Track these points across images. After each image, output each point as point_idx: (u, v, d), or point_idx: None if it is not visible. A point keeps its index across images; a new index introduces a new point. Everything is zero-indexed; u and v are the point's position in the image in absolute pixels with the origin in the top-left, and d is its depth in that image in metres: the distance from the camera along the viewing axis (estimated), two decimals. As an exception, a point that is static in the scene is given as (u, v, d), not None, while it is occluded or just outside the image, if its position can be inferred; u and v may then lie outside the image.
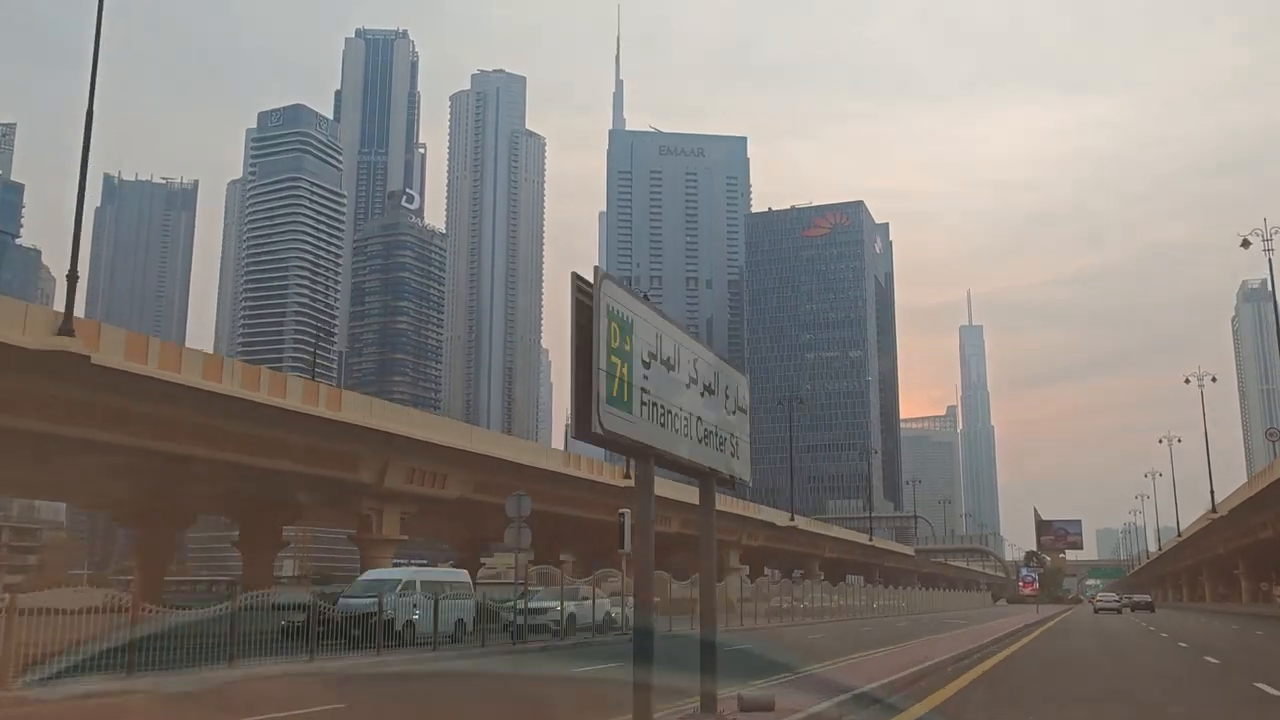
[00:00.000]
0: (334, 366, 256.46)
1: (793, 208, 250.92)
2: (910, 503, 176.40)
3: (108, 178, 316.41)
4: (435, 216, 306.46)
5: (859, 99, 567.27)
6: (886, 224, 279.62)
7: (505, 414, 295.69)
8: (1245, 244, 50.85)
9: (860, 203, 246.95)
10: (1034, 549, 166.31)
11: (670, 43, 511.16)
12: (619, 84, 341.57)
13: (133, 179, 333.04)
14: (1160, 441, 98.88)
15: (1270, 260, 51.34)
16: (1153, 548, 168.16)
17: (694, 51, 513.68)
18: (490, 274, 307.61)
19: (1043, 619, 50.38)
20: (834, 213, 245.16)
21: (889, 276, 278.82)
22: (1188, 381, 77.30)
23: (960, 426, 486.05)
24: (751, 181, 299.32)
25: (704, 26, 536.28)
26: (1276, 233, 51.33)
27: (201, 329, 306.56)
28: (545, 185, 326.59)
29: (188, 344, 68.33)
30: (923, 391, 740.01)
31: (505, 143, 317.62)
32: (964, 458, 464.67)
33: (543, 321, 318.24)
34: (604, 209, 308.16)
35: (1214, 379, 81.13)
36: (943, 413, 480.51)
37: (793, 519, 68.91)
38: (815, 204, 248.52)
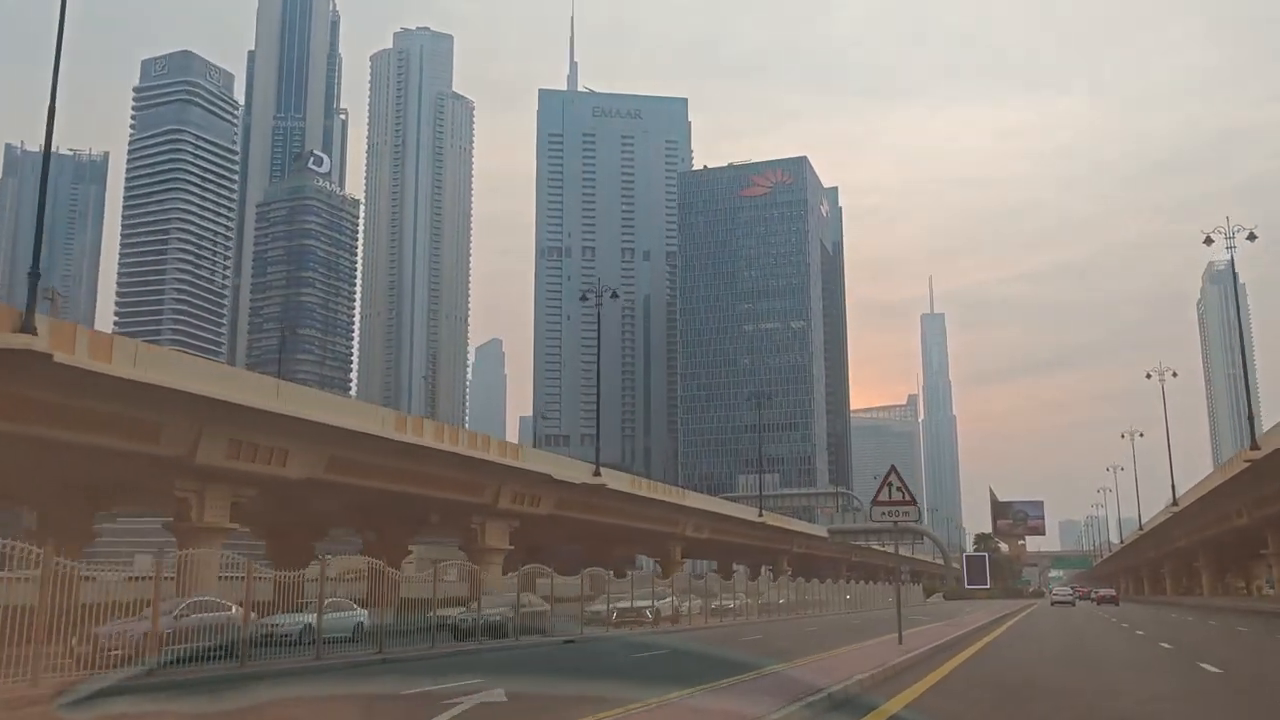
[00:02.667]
0: (223, 342, 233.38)
1: (730, 165, 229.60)
2: (868, 494, 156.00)
3: (9, 148, 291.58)
4: (356, 186, 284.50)
5: (821, 94, 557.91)
6: (835, 188, 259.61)
7: (429, 398, 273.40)
8: (1208, 241, 49.89)
9: (804, 159, 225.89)
10: (989, 532, 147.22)
11: (628, 36, 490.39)
12: (573, 66, 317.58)
13: (36, 150, 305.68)
14: (1122, 436, 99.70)
15: (1233, 258, 49.93)
16: (1115, 540, 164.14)
17: (653, 47, 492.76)
18: (412, 247, 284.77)
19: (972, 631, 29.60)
20: (775, 170, 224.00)
21: (838, 246, 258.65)
22: (1149, 377, 77.10)
23: (922, 416, 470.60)
24: (694, 148, 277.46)
25: (663, 22, 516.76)
26: (1239, 231, 49.51)
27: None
28: (475, 152, 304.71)
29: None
30: (885, 386, 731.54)
31: (430, 106, 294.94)
32: (925, 448, 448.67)
33: (470, 299, 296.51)
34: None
35: (1174, 374, 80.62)
36: (903, 402, 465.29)
37: (597, 472, 47.61)
38: (755, 160, 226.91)
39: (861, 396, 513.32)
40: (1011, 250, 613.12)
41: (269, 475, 32.22)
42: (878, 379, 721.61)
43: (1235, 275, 52.66)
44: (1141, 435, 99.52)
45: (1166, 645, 24.23)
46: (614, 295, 52.60)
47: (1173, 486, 77.60)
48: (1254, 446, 47.42)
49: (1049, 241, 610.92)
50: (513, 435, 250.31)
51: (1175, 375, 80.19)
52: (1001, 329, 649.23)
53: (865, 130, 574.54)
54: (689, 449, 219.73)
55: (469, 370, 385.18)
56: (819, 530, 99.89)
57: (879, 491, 19.23)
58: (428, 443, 36.98)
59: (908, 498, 18.71)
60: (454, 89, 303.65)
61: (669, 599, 39.86)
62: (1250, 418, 49.63)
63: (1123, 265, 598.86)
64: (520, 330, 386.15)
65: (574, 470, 48.71)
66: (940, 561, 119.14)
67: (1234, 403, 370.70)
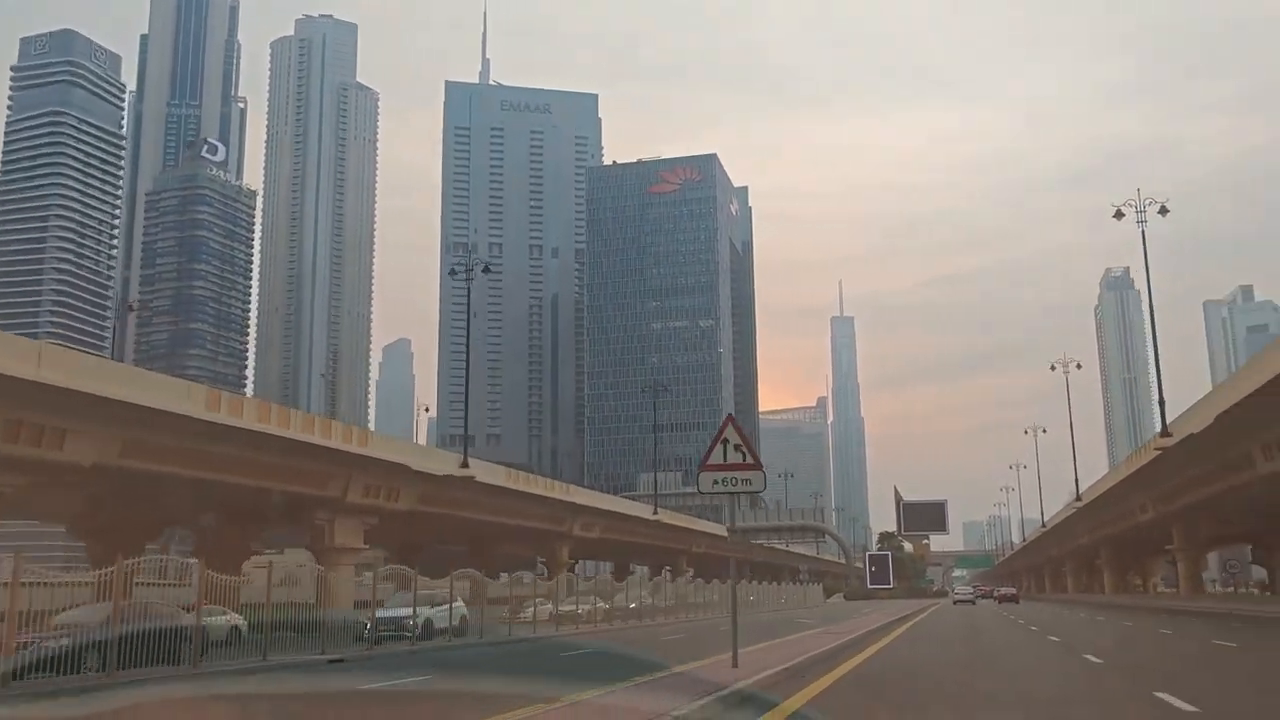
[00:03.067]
0: (108, 336, 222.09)
1: (639, 161, 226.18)
2: (782, 497, 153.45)
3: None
4: (254, 177, 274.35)
5: (737, 98, 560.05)
6: (745, 187, 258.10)
7: (329, 396, 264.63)
8: (1118, 215, 48.30)
9: (713, 156, 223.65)
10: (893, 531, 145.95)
11: (542, 34, 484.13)
12: (485, 63, 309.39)
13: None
14: (1025, 433, 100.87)
15: (1144, 232, 48.06)
16: (1017, 539, 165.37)
17: (567, 46, 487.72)
18: (313, 241, 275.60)
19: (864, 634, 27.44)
20: (685, 167, 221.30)
21: (748, 246, 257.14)
22: (1053, 368, 77.37)
23: (831, 418, 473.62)
24: (606, 147, 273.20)
25: (579, 21, 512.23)
26: (1150, 204, 48.10)
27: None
28: (380, 145, 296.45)
29: None
30: (796, 388, 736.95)
31: (333, 96, 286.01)
32: (834, 450, 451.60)
33: (374, 296, 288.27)
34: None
35: (1079, 365, 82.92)
36: (813, 404, 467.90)
37: (465, 463, 43.30)
38: (664, 157, 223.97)
39: (773, 399, 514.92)
40: (921, 256, 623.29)
41: (41, 460, 27.11)
42: (789, 382, 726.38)
43: (1145, 252, 48.76)
44: (1045, 431, 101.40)
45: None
46: (486, 270, 48.25)
47: (1076, 480, 77.02)
48: (1165, 433, 45.06)
49: (958, 248, 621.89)
50: (421, 436, 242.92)
51: (1080, 367, 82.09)
52: (910, 334, 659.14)
53: (780, 135, 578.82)
54: (596, 448, 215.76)
55: (376, 370, 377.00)
56: (719, 529, 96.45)
57: (709, 452, 14.36)
58: (248, 425, 32.12)
59: (749, 460, 14.09)
60: (358, 79, 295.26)
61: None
62: (1160, 402, 47.16)
63: (1030, 273, 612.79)
64: (430, 330, 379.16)
65: (438, 461, 44.32)
66: (843, 561, 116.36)
67: (1129, 407, 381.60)
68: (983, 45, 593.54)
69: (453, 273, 48.39)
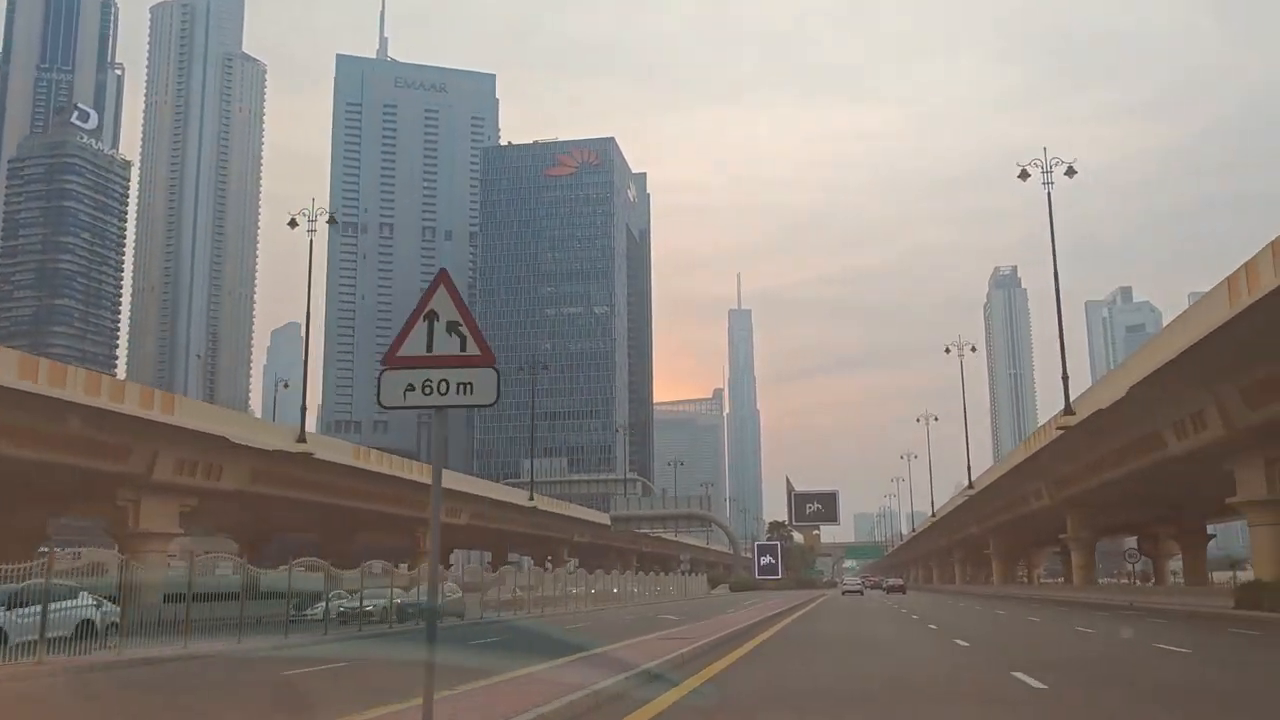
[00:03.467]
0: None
1: (535, 142, 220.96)
2: (673, 486, 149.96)
3: None
4: (132, 148, 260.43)
5: (639, 89, 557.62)
6: (644, 174, 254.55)
7: (207, 379, 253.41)
8: (1023, 175, 45.93)
9: (611, 140, 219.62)
10: (783, 520, 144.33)
11: (442, 17, 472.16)
12: (383, 41, 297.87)
13: None
14: (918, 421, 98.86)
15: (1049, 193, 45.71)
16: (906, 530, 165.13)
17: (468, 30, 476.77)
18: (193, 216, 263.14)
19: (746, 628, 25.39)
20: (582, 150, 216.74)
21: (645, 234, 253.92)
22: (948, 351, 75.03)
23: (727, 410, 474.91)
24: (503, 130, 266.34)
25: (482, 4, 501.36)
26: (1056, 164, 45.52)
27: None
28: (266, 120, 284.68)
29: None
30: (694, 381, 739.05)
31: (217, 67, 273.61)
32: (729, 442, 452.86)
33: (258, 275, 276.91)
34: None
35: (974, 348, 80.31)
36: (709, 395, 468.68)
37: (302, 437, 38.59)
38: (561, 139, 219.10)
39: (672, 391, 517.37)
40: (818, 252, 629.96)
41: None
42: (687, 374, 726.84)
43: (1051, 219, 46.04)
44: (936, 419, 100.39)
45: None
46: (331, 221, 43.44)
47: (968, 467, 75.10)
48: (1067, 411, 42.77)
49: (853, 245, 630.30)
50: (311, 424, 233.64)
51: (974, 350, 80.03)
52: (806, 328, 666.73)
53: (681, 128, 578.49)
54: (486, 438, 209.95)
55: (264, 354, 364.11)
56: (602, 518, 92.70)
57: (403, 334, 8.62)
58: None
59: (476, 350, 8.41)
60: (244, 50, 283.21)
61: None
62: (1064, 377, 43.63)
63: (921, 271, 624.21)
64: (319, 314, 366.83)
65: (269, 434, 39.39)
66: (731, 551, 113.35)
67: (1015, 403, 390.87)
68: (878, 47, 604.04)
69: (292, 224, 43.31)
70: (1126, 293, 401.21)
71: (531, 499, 68.70)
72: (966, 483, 75.22)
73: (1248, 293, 24.90)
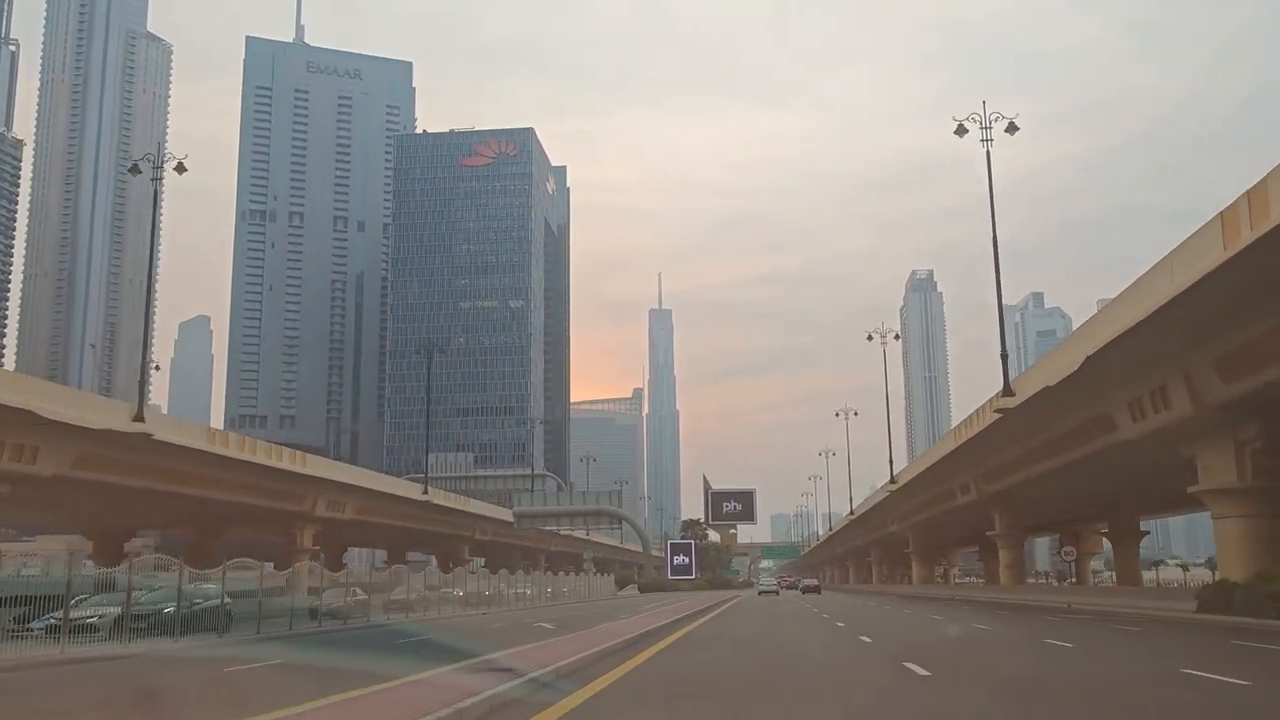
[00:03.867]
0: None
1: (452, 131, 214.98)
2: (588, 484, 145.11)
3: None
4: (25, 127, 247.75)
5: (563, 89, 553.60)
6: (564, 167, 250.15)
7: (104, 371, 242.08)
8: (960, 131, 42.69)
9: (530, 130, 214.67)
10: (698, 518, 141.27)
11: (362, 9, 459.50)
12: (300, 29, 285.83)
13: None
14: (837, 415, 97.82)
15: (989, 152, 42.29)
16: (823, 530, 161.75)
17: (390, 22, 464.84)
18: (91, 199, 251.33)
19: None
20: (500, 140, 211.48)
21: (564, 228, 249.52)
22: (870, 338, 73.28)
23: (646, 410, 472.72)
24: (420, 121, 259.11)
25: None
26: (996, 119, 42.40)
27: None
28: (172, 103, 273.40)
29: None
30: (615, 381, 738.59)
31: (119, 45, 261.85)
32: (648, 442, 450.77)
33: (162, 264, 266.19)
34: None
35: (897, 336, 78.87)
36: (628, 395, 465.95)
37: (140, 416, 33.68)
38: (478, 128, 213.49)
39: (590, 390, 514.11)
40: (739, 255, 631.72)
41: None
42: (607, 374, 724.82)
43: (990, 176, 42.27)
44: (856, 414, 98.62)
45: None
46: (180, 168, 38.45)
47: (890, 460, 72.21)
48: (1006, 391, 38.63)
49: (775, 248, 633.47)
50: (218, 420, 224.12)
51: (898, 337, 78.93)
52: (727, 330, 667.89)
53: (605, 128, 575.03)
54: (397, 432, 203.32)
55: (172, 347, 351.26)
56: (505, 514, 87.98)
57: None
58: None
59: None
60: (149, 29, 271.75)
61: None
62: (1003, 355, 40.11)
63: (840, 275, 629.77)
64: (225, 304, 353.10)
65: (96, 411, 34.31)
66: (639, 549, 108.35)
67: (930, 406, 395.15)
68: (800, 53, 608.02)
69: (134, 170, 38.29)
70: (1039, 298, 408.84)
71: (425, 492, 63.96)
72: (889, 477, 72.26)
73: (1250, 228, 20.32)
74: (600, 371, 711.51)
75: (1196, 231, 22.90)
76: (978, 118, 41.83)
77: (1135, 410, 31.77)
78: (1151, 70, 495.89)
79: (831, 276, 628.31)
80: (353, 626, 29.94)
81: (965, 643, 22.08)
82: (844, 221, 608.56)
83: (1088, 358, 29.02)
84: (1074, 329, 31.32)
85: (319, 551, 54.25)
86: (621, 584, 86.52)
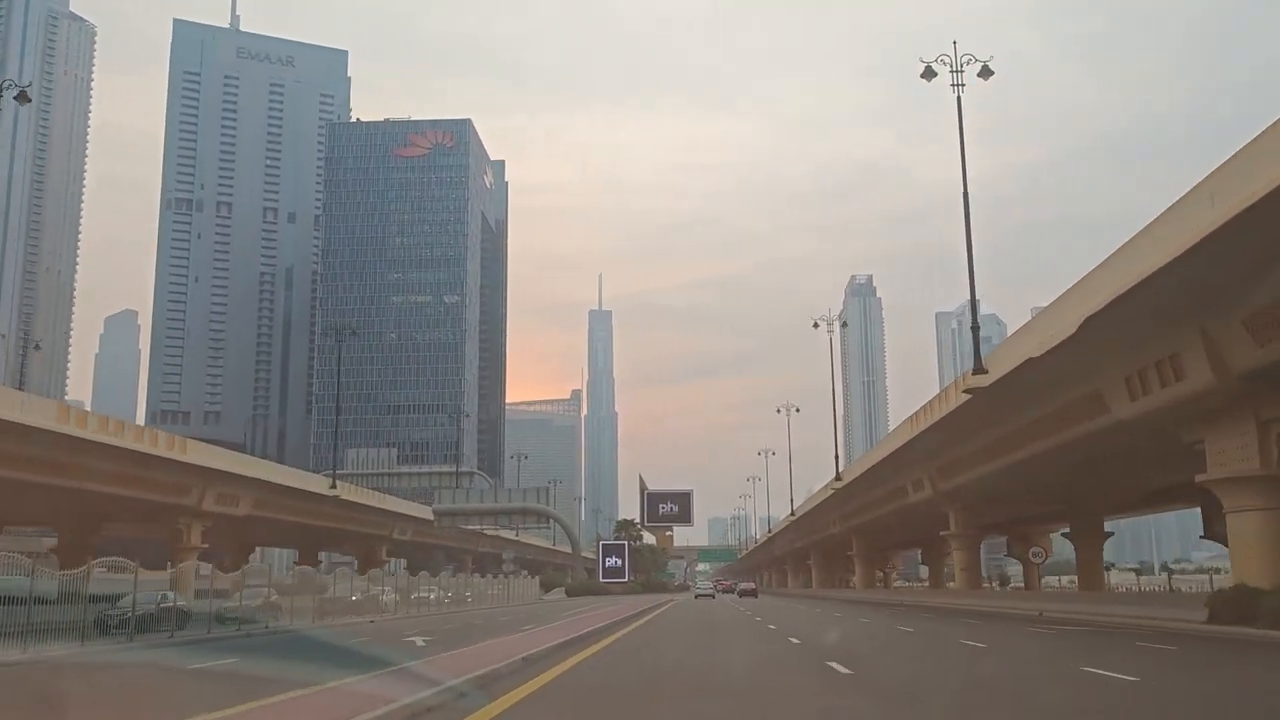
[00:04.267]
0: None
1: (387, 120, 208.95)
2: (518, 483, 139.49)
3: None
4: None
5: (504, 89, 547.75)
6: (502, 161, 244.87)
7: (14, 364, 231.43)
8: (928, 74, 37.62)
9: (468, 121, 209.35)
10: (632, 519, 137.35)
11: (300, 6, 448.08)
12: (235, 19, 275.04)
13: None
14: (778, 411, 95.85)
15: (959, 96, 37.84)
16: (760, 532, 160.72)
17: (328, 18, 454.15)
18: (6, 184, 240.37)
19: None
20: (436, 130, 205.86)
21: (501, 224, 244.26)
22: (816, 326, 70.95)
23: (584, 411, 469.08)
24: (354, 110, 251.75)
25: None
26: (968, 61, 37.83)
27: None
28: (95, 88, 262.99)
29: None
30: (554, 384, 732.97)
31: (39, 24, 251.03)
32: (586, 444, 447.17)
33: (79, 252, 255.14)
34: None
35: (844, 324, 78.55)
36: (567, 396, 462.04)
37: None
38: (414, 118, 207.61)
39: (530, 392, 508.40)
40: (683, 258, 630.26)
41: None
42: (547, 378, 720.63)
43: (960, 115, 37.78)
44: (798, 410, 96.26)
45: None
46: (23, 98, 33.42)
47: (836, 457, 70.06)
48: (978, 370, 33.89)
49: (718, 252, 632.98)
50: (139, 416, 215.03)
51: (845, 325, 78.44)
52: (669, 334, 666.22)
53: (546, 130, 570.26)
54: (326, 430, 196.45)
55: (97, 342, 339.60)
56: (425, 512, 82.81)
57: None
58: None
59: None
60: (72, 9, 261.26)
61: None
62: (974, 328, 35.92)
63: (781, 280, 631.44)
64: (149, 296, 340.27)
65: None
66: (568, 549, 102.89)
67: (868, 410, 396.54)
68: (744, 58, 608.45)
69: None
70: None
71: (333, 486, 58.95)
72: (834, 474, 69.17)
73: None
74: (539, 374, 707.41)
75: (1248, 144, 18.71)
76: (947, 59, 37.19)
77: (1137, 385, 27.50)
78: (1092, 85, 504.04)
79: (772, 281, 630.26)
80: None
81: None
82: (785, 226, 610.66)
83: (1087, 319, 24.42)
84: (1008, 335, 24.97)
85: (204, 548, 48.75)
86: (548, 587, 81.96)
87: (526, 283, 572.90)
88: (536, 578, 77.97)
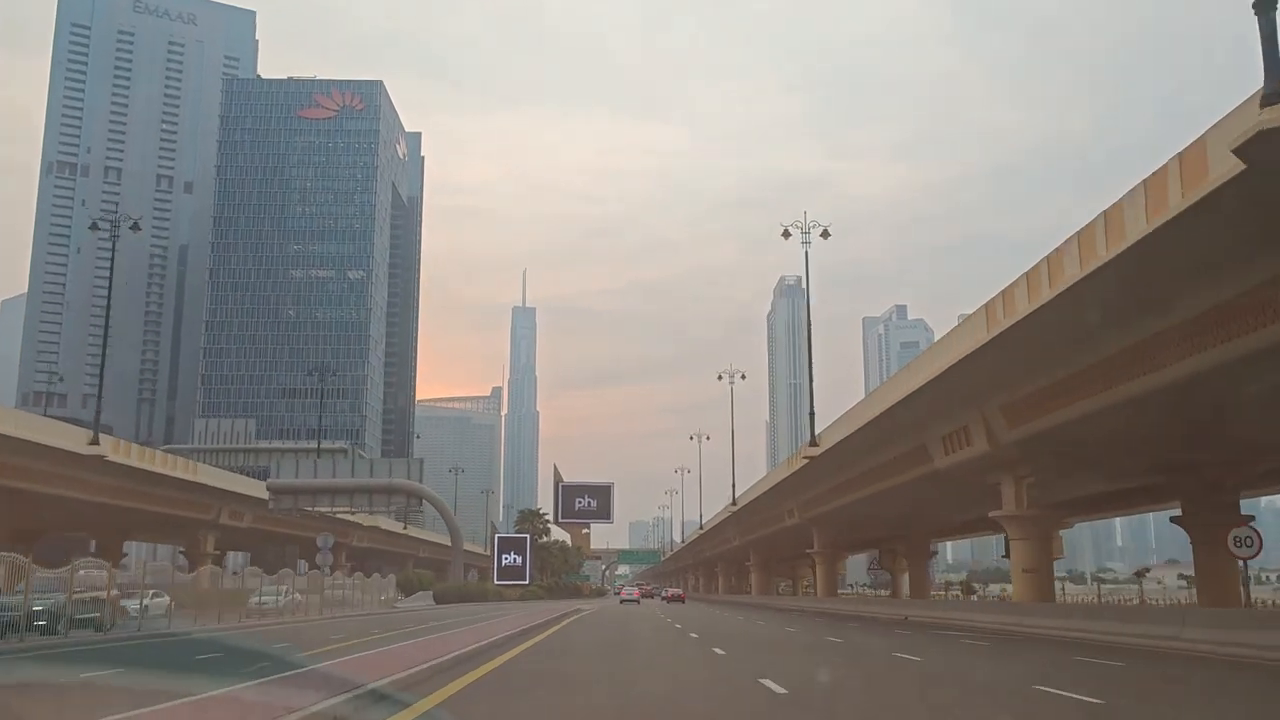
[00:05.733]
0: None
1: (290, 78, 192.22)
2: (423, 479, 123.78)
3: None
4: None
5: (430, 87, 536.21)
6: (419, 134, 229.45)
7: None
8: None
9: (379, 84, 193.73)
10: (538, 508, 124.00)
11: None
12: None
13: None
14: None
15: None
16: (681, 538, 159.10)
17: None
18: None
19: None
20: (345, 92, 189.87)
21: (416, 200, 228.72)
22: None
23: (505, 410, 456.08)
24: (261, 72, 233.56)
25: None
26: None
27: None
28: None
29: None
30: (473, 383, 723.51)
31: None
32: (506, 442, 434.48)
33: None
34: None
35: (744, 376, 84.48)
36: (487, 393, 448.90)
37: None
38: (320, 77, 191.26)
39: (451, 390, 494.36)
40: (609, 262, 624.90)
41: None
42: (468, 378, 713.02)
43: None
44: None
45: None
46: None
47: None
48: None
49: (645, 256, 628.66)
50: (8, 397, 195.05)
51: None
52: (590, 337, 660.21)
53: (472, 131, 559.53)
54: (215, 414, 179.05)
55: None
56: (256, 489, 66.52)
57: None
58: None
59: None
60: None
61: None
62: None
63: (705, 287, 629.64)
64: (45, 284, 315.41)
65: None
66: (451, 544, 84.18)
67: (793, 412, 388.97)
68: (673, 67, 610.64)
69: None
70: (902, 310, 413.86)
71: (96, 440, 43.37)
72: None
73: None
74: (460, 375, 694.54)
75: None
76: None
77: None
78: (1020, 113, 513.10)
79: (698, 288, 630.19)
80: None
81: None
82: (711, 233, 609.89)
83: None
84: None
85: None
86: (409, 589, 67.03)
87: (448, 283, 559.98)
88: (390, 577, 61.26)
